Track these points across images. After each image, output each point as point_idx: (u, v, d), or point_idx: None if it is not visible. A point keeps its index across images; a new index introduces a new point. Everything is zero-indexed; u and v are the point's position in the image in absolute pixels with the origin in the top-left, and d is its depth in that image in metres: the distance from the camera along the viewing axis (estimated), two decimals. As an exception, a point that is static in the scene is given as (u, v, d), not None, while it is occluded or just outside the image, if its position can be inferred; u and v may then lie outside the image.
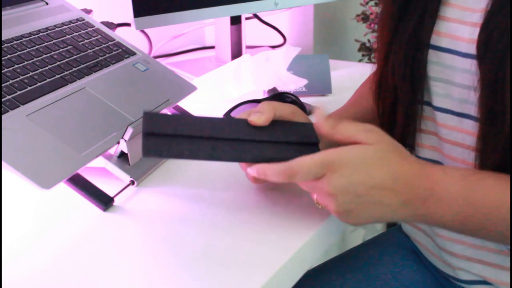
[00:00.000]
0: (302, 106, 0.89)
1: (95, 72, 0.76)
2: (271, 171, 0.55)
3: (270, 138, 0.58)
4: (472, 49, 0.58)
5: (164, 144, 0.55)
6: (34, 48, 0.74)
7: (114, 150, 0.68)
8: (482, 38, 0.56)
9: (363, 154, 0.53)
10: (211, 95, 0.95)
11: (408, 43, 0.63)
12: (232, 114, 0.86)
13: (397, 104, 0.67)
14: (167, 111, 0.78)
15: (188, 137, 0.56)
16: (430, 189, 0.54)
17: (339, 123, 0.56)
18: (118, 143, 0.67)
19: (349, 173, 0.53)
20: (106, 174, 0.67)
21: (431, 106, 0.66)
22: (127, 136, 0.67)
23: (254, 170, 0.56)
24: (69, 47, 0.78)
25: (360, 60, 1.50)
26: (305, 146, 0.58)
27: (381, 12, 0.68)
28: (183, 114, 0.61)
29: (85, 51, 0.79)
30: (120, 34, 0.88)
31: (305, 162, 0.53)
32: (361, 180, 0.53)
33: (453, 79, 0.62)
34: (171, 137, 0.55)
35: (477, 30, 0.57)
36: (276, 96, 0.88)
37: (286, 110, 0.61)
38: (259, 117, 0.59)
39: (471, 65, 0.58)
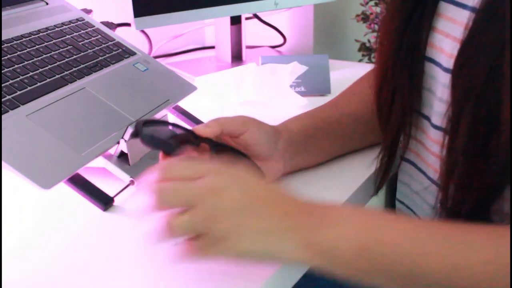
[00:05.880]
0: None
1: (95, 72, 0.76)
2: None
3: None
4: (451, 64, 0.55)
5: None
6: (34, 48, 0.74)
7: (114, 150, 0.68)
8: (457, 63, 0.54)
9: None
10: (211, 95, 0.95)
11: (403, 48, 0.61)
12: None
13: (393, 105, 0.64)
14: (166, 111, 0.78)
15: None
16: (322, 209, 0.49)
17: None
18: (118, 143, 0.67)
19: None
20: (106, 174, 0.67)
21: (419, 114, 0.64)
22: (127, 136, 0.67)
23: None
24: (69, 47, 0.78)
25: (360, 60, 1.50)
26: None
27: (383, 16, 0.66)
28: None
29: (85, 51, 0.79)
30: (120, 34, 0.88)
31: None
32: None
33: (435, 90, 0.60)
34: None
35: (457, 46, 0.54)
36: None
37: (235, 123, 0.62)
38: (204, 129, 0.59)
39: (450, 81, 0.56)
